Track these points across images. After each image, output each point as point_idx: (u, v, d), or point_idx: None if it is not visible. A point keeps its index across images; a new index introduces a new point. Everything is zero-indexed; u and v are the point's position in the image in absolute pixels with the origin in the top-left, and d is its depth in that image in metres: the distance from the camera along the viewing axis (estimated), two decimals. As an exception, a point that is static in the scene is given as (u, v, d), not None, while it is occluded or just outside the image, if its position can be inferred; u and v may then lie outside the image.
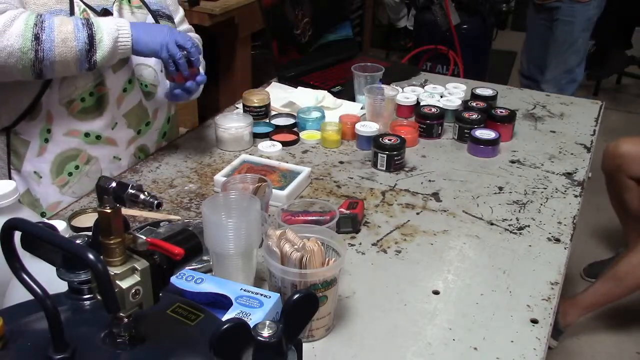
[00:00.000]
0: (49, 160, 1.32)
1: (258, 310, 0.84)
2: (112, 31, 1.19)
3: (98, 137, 1.34)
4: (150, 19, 1.36)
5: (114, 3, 1.30)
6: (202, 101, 2.86)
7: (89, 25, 1.18)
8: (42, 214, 1.33)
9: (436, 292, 1.03)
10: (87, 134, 1.33)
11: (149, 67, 1.39)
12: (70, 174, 1.34)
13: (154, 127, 1.45)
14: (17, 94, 1.27)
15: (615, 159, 2.24)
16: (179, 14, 1.50)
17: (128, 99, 1.36)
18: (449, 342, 0.92)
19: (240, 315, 0.83)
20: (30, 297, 0.57)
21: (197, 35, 1.54)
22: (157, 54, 1.23)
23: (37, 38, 1.13)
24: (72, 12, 1.22)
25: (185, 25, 1.53)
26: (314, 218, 1.11)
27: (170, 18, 1.42)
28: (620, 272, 2.04)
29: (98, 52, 1.18)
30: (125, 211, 0.74)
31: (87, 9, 1.24)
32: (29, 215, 0.96)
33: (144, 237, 0.62)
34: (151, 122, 1.44)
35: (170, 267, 0.62)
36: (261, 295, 0.87)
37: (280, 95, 1.72)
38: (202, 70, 1.36)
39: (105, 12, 1.28)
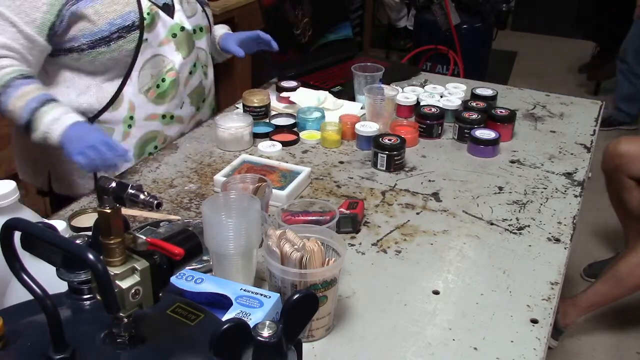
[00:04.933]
0: (132, 144, 1.47)
1: (258, 310, 0.84)
2: (46, 128, 1.26)
3: (172, 118, 1.51)
4: (199, 7, 1.55)
5: None
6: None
7: (34, 111, 1.26)
8: None
9: (436, 292, 1.03)
10: (163, 116, 1.49)
11: (203, 50, 1.57)
12: (150, 154, 1.49)
13: (207, 102, 1.64)
14: (101, 87, 1.41)
15: (615, 159, 2.24)
16: None
17: (192, 80, 1.53)
18: (449, 342, 0.93)
19: (240, 315, 0.83)
20: (30, 297, 0.57)
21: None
22: (70, 157, 1.26)
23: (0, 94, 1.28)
24: (140, 10, 1.36)
25: None
26: (314, 218, 1.11)
27: (208, 5, 1.62)
28: (620, 272, 2.04)
29: (31, 135, 1.29)
30: (125, 211, 0.74)
31: (152, 4, 1.39)
32: (29, 215, 0.95)
33: (144, 237, 0.62)
34: (206, 99, 1.63)
35: (170, 267, 0.62)
36: (261, 295, 0.87)
37: (309, 95, 1.71)
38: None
39: (167, 7, 1.44)
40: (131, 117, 1.44)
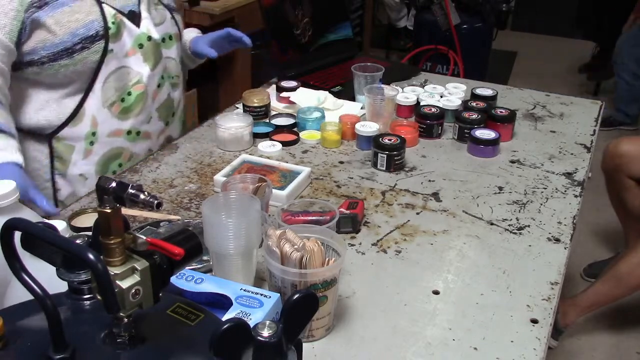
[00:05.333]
0: (94, 162, 1.40)
1: (258, 310, 0.84)
2: None
3: (138, 133, 1.44)
4: (167, 13, 1.48)
5: (140, 1, 1.38)
6: (202, 101, 2.88)
7: None
8: None
9: (436, 292, 1.03)
10: (129, 132, 1.42)
11: (173, 59, 1.50)
12: (114, 172, 1.42)
13: (177, 117, 1.57)
14: (61, 101, 1.34)
15: (615, 159, 2.24)
16: None
17: (161, 93, 1.46)
18: (449, 342, 0.93)
19: (240, 315, 0.83)
20: (30, 297, 0.57)
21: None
22: None
23: None
24: (104, 19, 1.30)
25: None
26: (314, 218, 1.11)
27: (177, 11, 1.54)
28: (620, 271, 2.04)
29: None
30: (125, 211, 0.74)
31: (117, 12, 1.33)
32: (29, 215, 0.95)
33: (144, 237, 0.62)
34: (176, 113, 1.55)
35: (170, 267, 0.62)
36: (261, 295, 0.87)
37: (309, 95, 1.70)
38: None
39: (133, 14, 1.37)
40: (93, 133, 1.37)
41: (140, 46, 1.38)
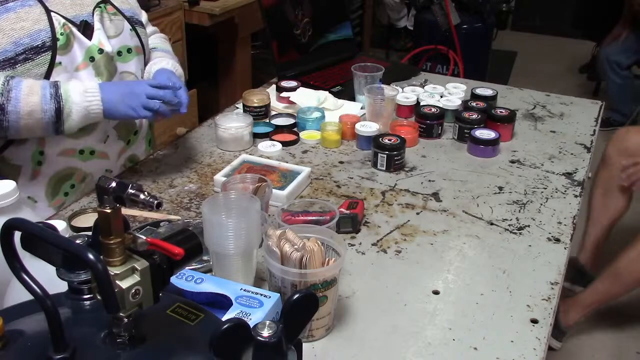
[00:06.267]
0: (43, 183, 1.30)
1: (258, 310, 0.84)
2: (81, 102, 1.19)
3: (92, 153, 1.33)
4: (127, 25, 1.35)
5: (93, 11, 1.29)
6: (202, 101, 2.88)
7: (57, 96, 1.17)
8: None
9: (436, 292, 1.03)
10: (81, 151, 1.31)
11: (132, 74, 1.37)
12: (66, 194, 1.33)
13: (141, 136, 1.45)
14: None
15: (623, 144, 2.22)
16: (143, 17, 1.47)
17: None
18: (449, 342, 0.93)
19: (240, 315, 0.83)
20: (30, 297, 0.57)
21: (163, 35, 1.56)
22: (132, 117, 1.25)
23: (2, 109, 1.14)
24: (52, 29, 1.20)
25: (150, 28, 1.52)
26: (314, 218, 1.11)
27: (142, 24, 1.43)
28: (618, 268, 2.04)
29: (66, 124, 1.19)
30: (125, 211, 0.74)
31: (66, 22, 1.23)
32: (29, 215, 0.96)
33: (144, 237, 0.62)
34: (138, 131, 1.43)
35: (170, 267, 0.62)
36: (261, 295, 0.87)
37: (309, 95, 1.70)
38: (182, 85, 1.32)
39: (86, 25, 1.27)
40: (41, 153, 1.26)
41: (92, 59, 1.26)
